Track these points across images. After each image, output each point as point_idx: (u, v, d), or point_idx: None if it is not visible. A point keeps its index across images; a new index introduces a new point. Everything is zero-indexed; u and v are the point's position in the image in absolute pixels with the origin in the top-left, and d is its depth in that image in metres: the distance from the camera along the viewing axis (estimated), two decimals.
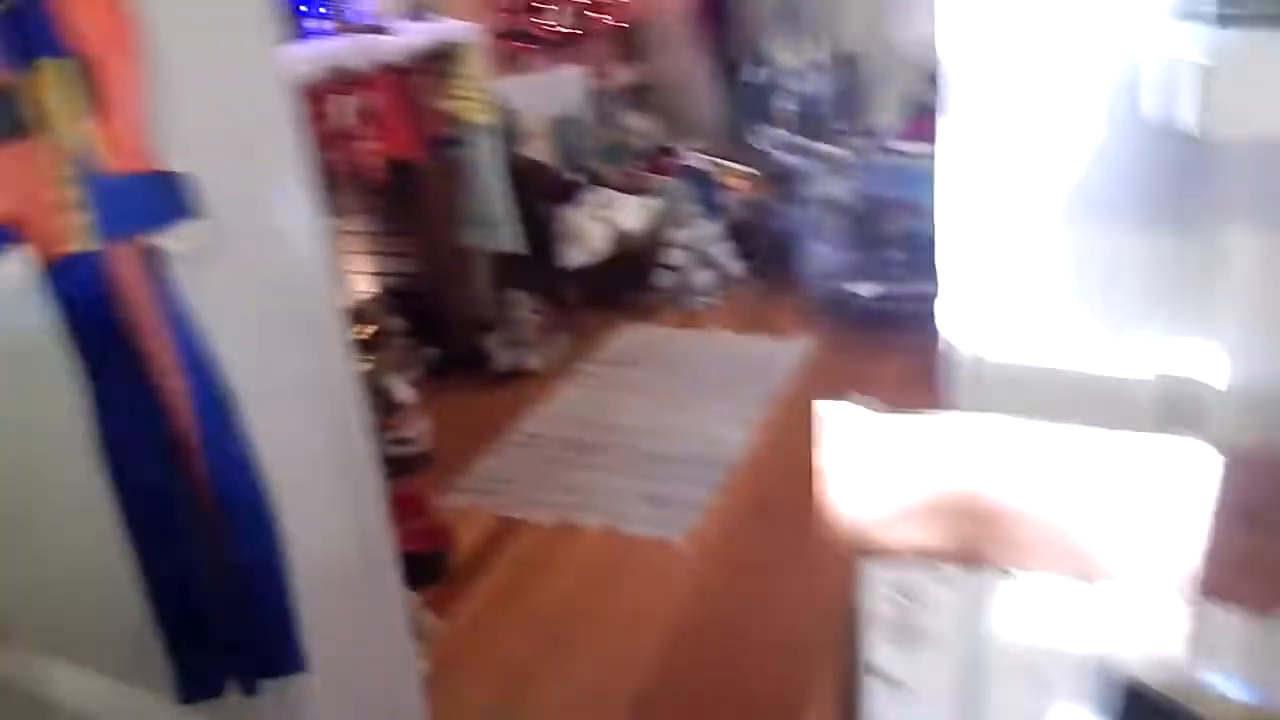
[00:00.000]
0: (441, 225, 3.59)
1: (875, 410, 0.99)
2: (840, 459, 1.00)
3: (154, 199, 1.24)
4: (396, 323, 3.59)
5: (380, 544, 1.74)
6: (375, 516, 1.72)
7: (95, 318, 1.20)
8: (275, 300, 1.48)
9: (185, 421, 1.27)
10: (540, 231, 3.92)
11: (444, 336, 3.69)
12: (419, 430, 3.13)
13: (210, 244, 1.28)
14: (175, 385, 1.25)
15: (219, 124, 1.33)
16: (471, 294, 3.79)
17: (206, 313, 1.29)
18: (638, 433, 3.26)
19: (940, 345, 1.75)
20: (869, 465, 1.00)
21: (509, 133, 3.98)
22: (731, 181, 4.34)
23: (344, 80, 2.93)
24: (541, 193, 3.96)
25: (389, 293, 3.67)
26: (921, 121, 4.15)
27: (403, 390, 3.14)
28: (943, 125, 1.64)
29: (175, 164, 1.25)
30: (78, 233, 1.17)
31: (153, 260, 1.23)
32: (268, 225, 1.46)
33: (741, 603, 2.48)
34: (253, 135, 1.43)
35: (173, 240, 1.25)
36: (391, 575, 1.79)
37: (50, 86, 1.14)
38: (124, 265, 1.21)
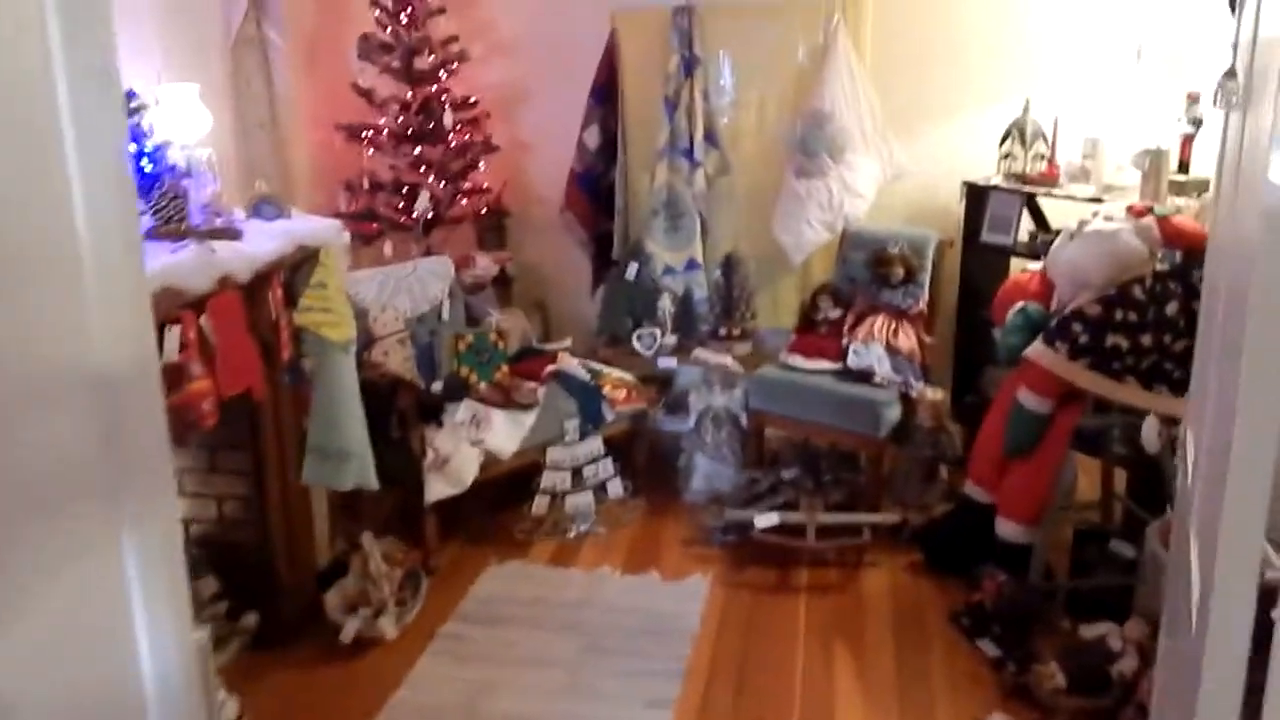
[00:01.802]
0: (277, 462, 2.92)
1: None
2: None
3: None
4: (207, 584, 2.86)
5: None
6: None
7: None
8: None
9: None
10: (397, 460, 3.32)
11: (272, 597, 2.97)
12: None
13: None
14: None
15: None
16: (309, 542, 3.11)
17: None
18: None
19: None
20: None
21: (365, 342, 3.41)
22: (612, 389, 3.91)
23: (174, 304, 2.30)
24: (400, 413, 3.37)
25: (199, 545, 2.94)
26: (813, 333, 3.93)
27: None
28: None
29: None
30: None
31: None
32: None
33: None
34: None
35: None
36: None
37: None
38: None
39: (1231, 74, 1.24)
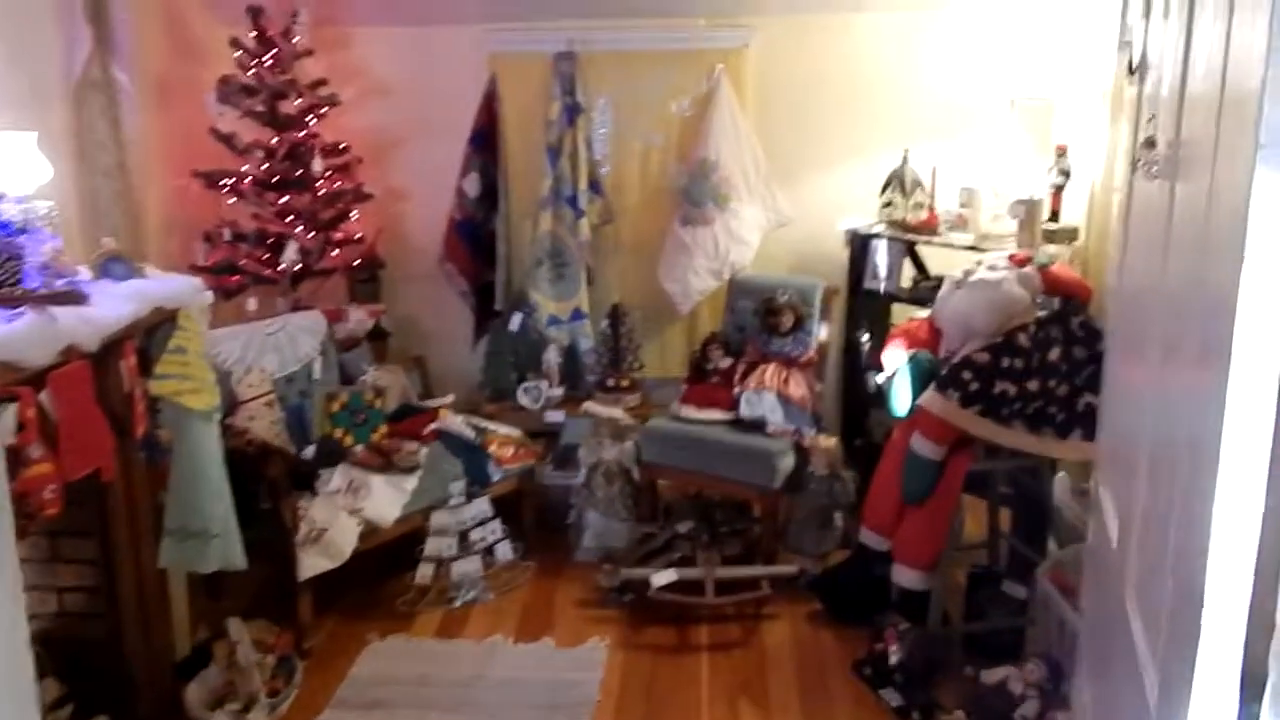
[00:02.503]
0: (130, 547, 2.63)
1: None
2: None
3: None
4: (49, 687, 2.54)
5: None
6: None
7: None
8: None
9: None
10: (267, 535, 3.06)
11: (125, 697, 2.66)
12: None
13: None
14: None
15: None
16: (166, 631, 2.81)
17: None
18: None
19: None
20: None
21: (228, 406, 3.14)
22: (498, 447, 3.74)
23: (9, 380, 2.03)
24: (269, 483, 3.12)
25: (38, 644, 2.60)
26: (704, 383, 3.87)
27: None
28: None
29: None
30: None
31: None
32: None
33: None
34: None
35: None
36: None
37: None
38: None
39: (1150, 143, 1.21)
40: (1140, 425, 1.36)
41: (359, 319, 3.91)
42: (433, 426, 3.71)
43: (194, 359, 2.78)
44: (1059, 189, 3.46)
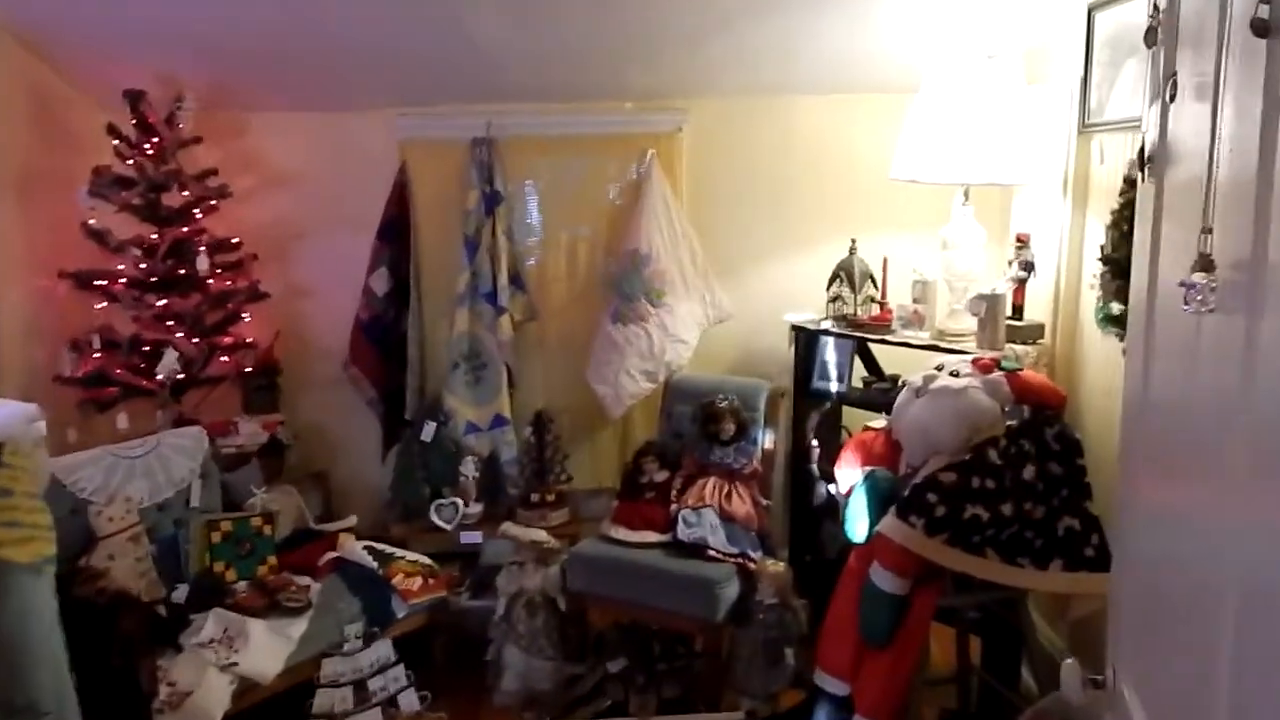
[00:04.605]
0: None
1: None
2: None
3: None
4: None
5: None
6: None
7: None
8: None
9: None
10: (117, 702, 2.57)
11: None
12: None
13: None
14: None
15: None
16: None
17: None
18: None
19: None
20: None
21: (83, 544, 2.69)
22: (403, 579, 3.29)
23: None
24: (128, 638, 2.63)
25: None
26: (637, 499, 3.47)
27: None
28: None
29: None
30: None
31: None
32: None
33: None
34: None
35: None
36: None
37: None
38: None
39: (1208, 265, 0.87)
40: (1202, 579, 0.98)
41: (251, 431, 3.47)
42: (330, 556, 3.27)
43: (22, 501, 2.35)
44: (1021, 282, 3.16)
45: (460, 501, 3.72)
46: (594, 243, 3.87)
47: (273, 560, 3.19)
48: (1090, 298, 2.96)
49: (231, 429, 3.43)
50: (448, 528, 3.69)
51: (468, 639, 3.49)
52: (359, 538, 3.43)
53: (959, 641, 3.14)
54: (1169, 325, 1.23)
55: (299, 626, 2.98)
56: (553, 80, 3.62)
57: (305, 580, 3.12)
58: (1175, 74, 1.23)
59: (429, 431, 3.75)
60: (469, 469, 3.76)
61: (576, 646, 3.39)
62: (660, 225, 3.68)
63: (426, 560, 3.46)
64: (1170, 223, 1.21)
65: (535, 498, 3.75)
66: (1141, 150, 1.38)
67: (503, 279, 3.72)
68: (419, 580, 3.35)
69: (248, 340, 3.60)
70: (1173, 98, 1.23)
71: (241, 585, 3.06)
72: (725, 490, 3.39)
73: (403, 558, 3.41)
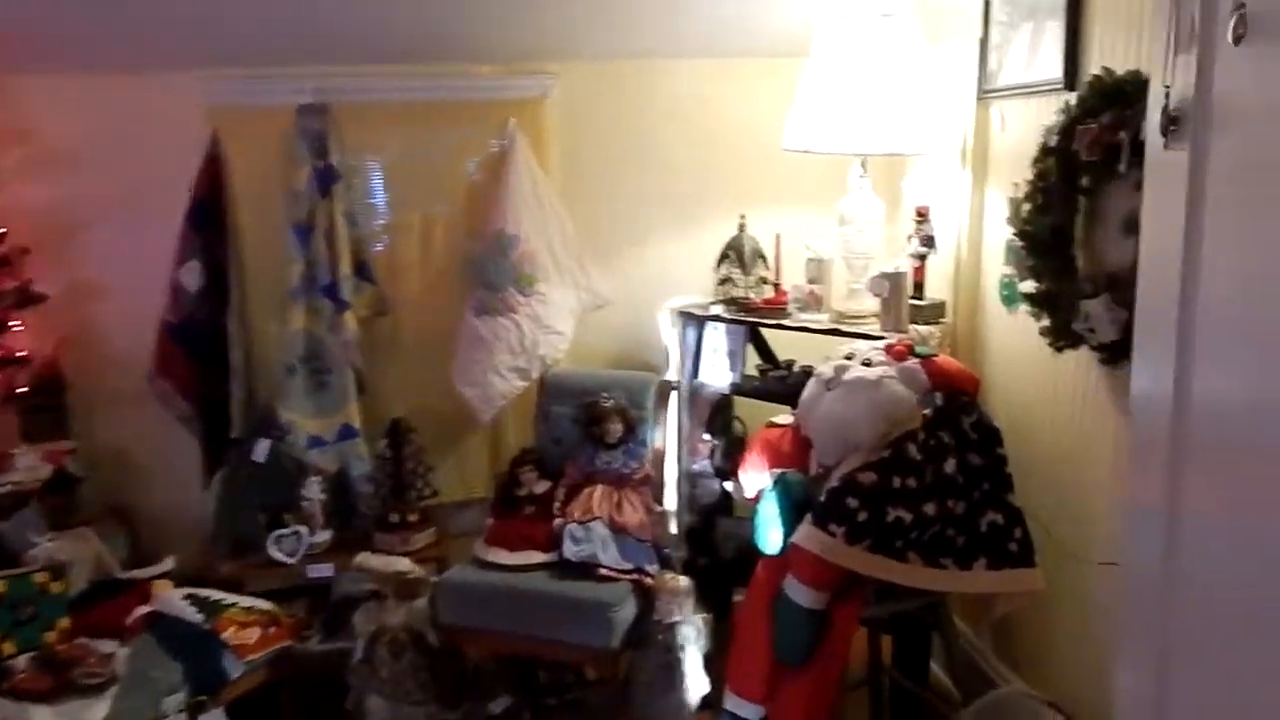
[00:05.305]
0: None
1: None
2: None
3: None
4: None
5: None
6: None
7: None
8: None
9: None
10: None
11: None
12: None
13: None
14: None
15: None
16: None
17: None
18: None
19: None
20: None
21: None
22: (236, 631, 2.77)
23: None
24: None
25: None
26: (515, 515, 3.06)
27: None
28: None
29: None
30: None
31: None
32: None
33: None
34: None
35: None
36: None
37: None
38: None
39: None
40: None
41: (30, 465, 2.85)
42: (141, 611, 2.70)
43: None
44: (922, 259, 2.92)
45: (305, 530, 3.21)
46: (452, 224, 3.39)
47: (64, 624, 2.61)
48: (993, 273, 2.77)
49: (6, 464, 2.79)
50: (290, 561, 3.17)
51: (323, 688, 2.99)
52: (178, 584, 2.87)
53: (870, 642, 2.91)
54: (1239, 321, 0.94)
55: (99, 709, 2.41)
56: (397, 39, 3.13)
57: (109, 646, 2.55)
58: (1244, 5, 0.93)
59: (262, 450, 3.21)
60: (313, 491, 3.25)
61: (451, 687, 2.96)
62: (527, 203, 3.26)
63: (265, 605, 2.94)
64: (1234, 201, 0.90)
65: (395, 518, 3.27)
66: (1165, 109, 1.08)
67: (344, 269, 3.20)
68: (256, 630, 2.83)
69: (20, 353, 2.95)
70: (1239, 39, 0.92)
71: (22, 661, 2.46)
72: (615, 499, 3.04)
73: (234, 604, 2.88)
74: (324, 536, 3.24)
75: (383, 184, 3.39)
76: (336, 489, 3.32)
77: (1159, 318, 1.10)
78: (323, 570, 3.18)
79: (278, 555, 3.16)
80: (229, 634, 2.74)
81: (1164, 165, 1.05)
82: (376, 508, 3.32)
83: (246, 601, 2.92)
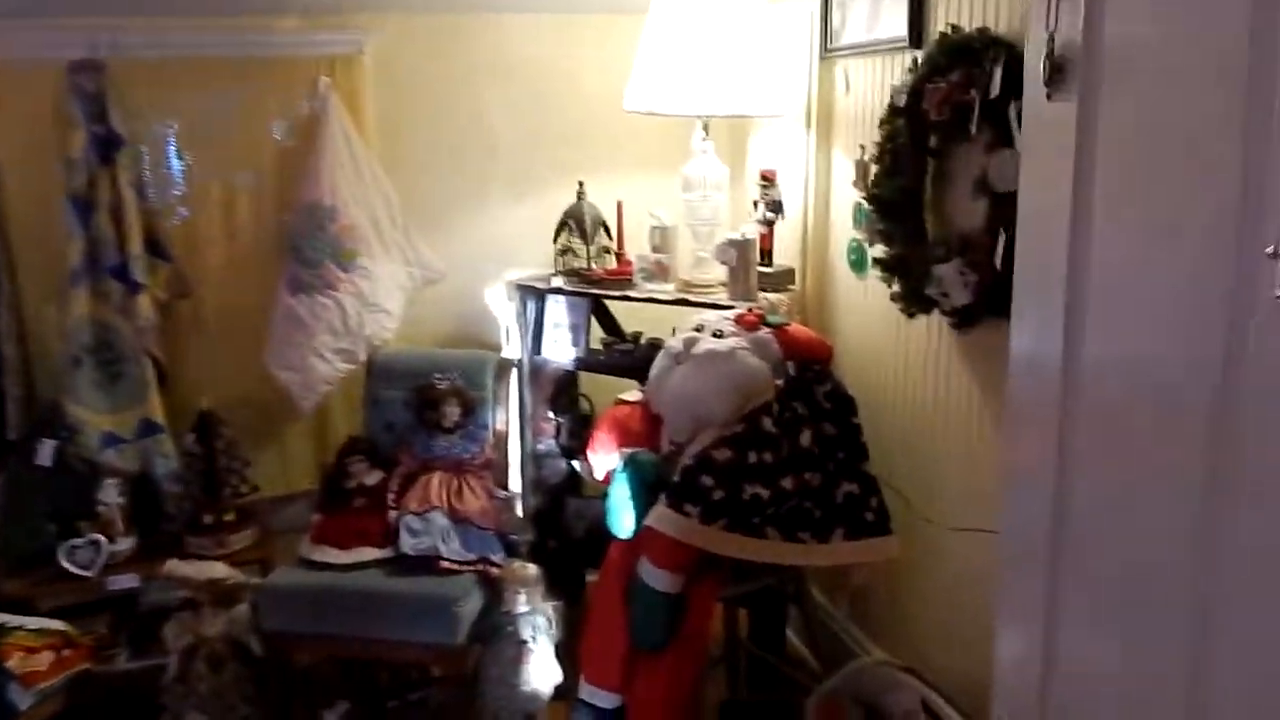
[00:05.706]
0: None
1: None
2: None
3: None
4: None
5: None
6: None
7: None
8: None
9: None
10: None
11: None
12: None
13: None
14: None
15: None
16: None
17: None
18: None
19: None
20: None
21: None
22: (23, 659, 2.44)
23: None
24: None
25: None
26: (345, 510, 2.82)
27: None
28: None
29: None
30: None
31: None
32: None
33: None
34: None
35: None
36: None
37: None
38: None
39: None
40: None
41: None
42: None
43: None
44: (770, 224, 2.86)
45: (102, 538, 2.86)
46: (259, 193, 3.07)
47: None
48: (842, 239, 2.73)
49: None
50: (87, 574, 2.81)
51: (134, 710, 2.68)
52: None
53: (726, 617, 2.88)
54: (1126, 280, 0.87)
55: None
56: None
57: None
58: None
59: (47, 452, 2.82)
60: (111, 494, 2.90)
61: (281, 697, 2.73)
62: (345, 170, 2.98)
63: (57, 625, 2.61)
64: (1130, 152, 0.83)
65: (208, 519, 2.96)
66: (1050, 54, 1.00)
67: (134, 247, 2.84)
68: (48, 655, 2.52)
69: None
70: None
71: None
72: (454, 486, 2.85)
73: (19, 628, 2.54)
74: (126, 544, 2.90)
75: (177, 151, 3.02)
76: (138, 491, 2.98)
77: (1043, 278, 1.04)
78: (126, 581, 2.84)
79: (71, 568, 2.80)
80: (14, 662, 2.43)
81: (1047, 118, 0.97)
82: (187, 509, 2.99)
83: (34, 623, 2.58)
